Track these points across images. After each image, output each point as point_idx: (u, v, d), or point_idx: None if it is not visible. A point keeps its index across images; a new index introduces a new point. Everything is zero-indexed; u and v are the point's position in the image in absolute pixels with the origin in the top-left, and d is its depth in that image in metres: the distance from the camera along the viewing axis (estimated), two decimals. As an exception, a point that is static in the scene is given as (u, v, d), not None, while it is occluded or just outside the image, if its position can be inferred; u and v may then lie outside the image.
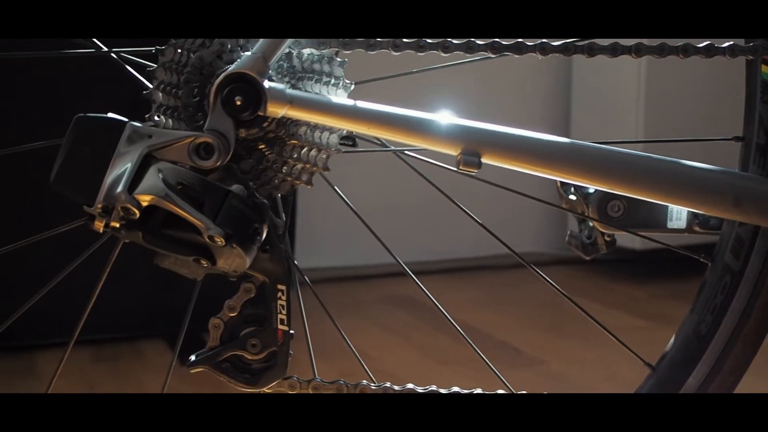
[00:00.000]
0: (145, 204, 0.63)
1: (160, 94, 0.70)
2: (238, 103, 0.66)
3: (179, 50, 0.69)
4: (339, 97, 0.70)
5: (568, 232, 0.87)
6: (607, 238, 0.84)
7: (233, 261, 0.66)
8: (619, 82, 2.31)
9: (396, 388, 0.75)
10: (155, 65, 0.70)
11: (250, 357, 0.72)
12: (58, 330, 1.55)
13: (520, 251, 0.86)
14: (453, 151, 0.69)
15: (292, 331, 0.72)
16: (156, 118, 0.69)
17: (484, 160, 0.69)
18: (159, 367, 1.58)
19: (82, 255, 0.76)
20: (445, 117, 0.69)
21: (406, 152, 0.81)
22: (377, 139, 0.77)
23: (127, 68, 0.75)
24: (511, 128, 0.70)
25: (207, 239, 0.63)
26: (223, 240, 0.63)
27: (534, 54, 0.71)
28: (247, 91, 0.66)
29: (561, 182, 0.83)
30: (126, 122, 0.65)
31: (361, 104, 0.68)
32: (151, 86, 0.70)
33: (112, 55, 0.76)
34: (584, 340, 1.78)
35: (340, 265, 2.30)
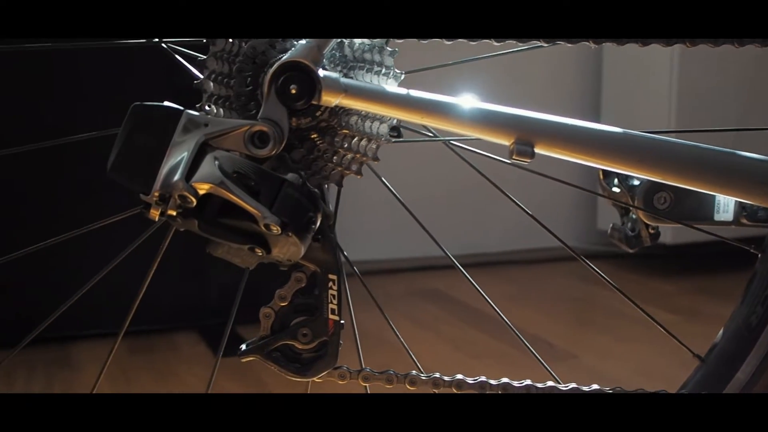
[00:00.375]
0: (202, 192, 0.63)
1: (212, 84, 0.70)
2: (293, 91, 0.66)
3: (230, 40, 0.69)
4: (391, 86, 0.70)
5: (611, 224, 0.86)
6: (651, 231, 0.83)
7: (288, 250, 0.66)
8: (651, 71, 2.28)
9: (446, 378, 0.75)
10: (204, 56, 0.70)
11: (300, 347, 0.72)
12: (93, 322, 1.57)
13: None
14: (506, 141, 0.68)
15: (342, 321, 0.72)
16: (207, 107, 0.70)
17: (536, 150, 0.68)
18: (193, 358, 1.59)
19: (131, 245, 0.77)
20: (497, 106, 0.69)
21: (452, 142, 0.80)
22: (425, 128, 0.77)
23: (177, 58, 0.75)
24: (563, 118, 0.69)
25: (263, 228, 0.63)
26: (279, 228, 0.63)
27: (587, 43, 0.70)
28: (302, 79, 0.66)
29: (604, 174, 0.83)
30: (182, 111, 0.65)
31: (415, 93, 0.68)
32: (201, 76, 0.70)
33: (163, 45, 0.76)
34: (615, 334, 1.78)
35: (368, 259, 2.30)
